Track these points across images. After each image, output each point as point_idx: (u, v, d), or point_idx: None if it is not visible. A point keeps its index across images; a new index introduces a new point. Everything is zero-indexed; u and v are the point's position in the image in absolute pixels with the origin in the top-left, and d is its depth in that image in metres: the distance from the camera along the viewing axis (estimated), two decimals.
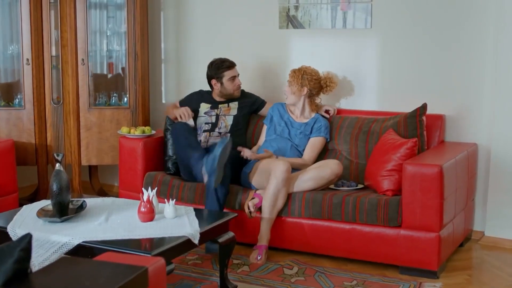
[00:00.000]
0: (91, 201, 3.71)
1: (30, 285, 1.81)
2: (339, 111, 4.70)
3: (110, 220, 3.39)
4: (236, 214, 3.70)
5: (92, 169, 5.56)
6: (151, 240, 3.13)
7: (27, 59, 4.94)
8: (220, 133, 4.59)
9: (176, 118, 4.59)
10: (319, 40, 4.91)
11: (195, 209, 3.63)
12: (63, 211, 3.37)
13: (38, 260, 2.97)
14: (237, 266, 3.91)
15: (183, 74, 5.44)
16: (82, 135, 5.07)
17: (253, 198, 4.08)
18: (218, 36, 5.27)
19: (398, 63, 4.67)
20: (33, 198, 5.05)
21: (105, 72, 5.38)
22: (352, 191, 4.12)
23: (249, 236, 4.12)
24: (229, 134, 4.51)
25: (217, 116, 4.64)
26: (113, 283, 1.81)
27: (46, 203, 3.62)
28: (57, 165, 3.37)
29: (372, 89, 4.77)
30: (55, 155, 3.41)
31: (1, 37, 5.13)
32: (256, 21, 5.13)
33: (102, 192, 5.45)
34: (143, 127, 4.73)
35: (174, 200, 3.53)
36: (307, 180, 4.08)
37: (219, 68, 4.64)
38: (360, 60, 4.78)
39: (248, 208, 4.06)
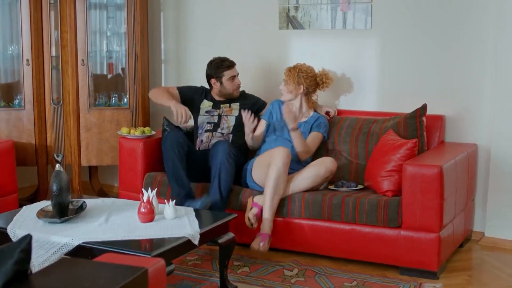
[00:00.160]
0: (91, 202, 3.71)
1: (30, 286, 1.81)
2: (339, 112, 4.70)
3: (110, 221, 3.39)
4: (236, 215, 3.70)
5: (92, 170, 5.56)
6: (151, 241, 3.12)
7: (27, 60, 4.94)
8: (222, 133, 4.57)
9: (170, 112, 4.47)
10: (319, 41, 4.91)
11: (195, 210, 3.63)
12: (63, 212, 3.36)
13: (38, 261, 2.96)
14: (237, 267, 3.91)
15: (183, 75, 5.44)
16: (82, 136, 5.07)
17: (251, 208, 4.06)
18: (218, 36, 5.28)
19: (398, 64, 4.67)
20: (33, 198, 5.05)
21: (105, 73, 5.38)
22: (352, 191, 4.12)
23: (250, 237, 4.12)
24: (212, 197, 4.25)
25: (219, 116, 4.63)
26: (113, 284, 1.81)
27: (46, 204, 3.62)
28: (57, 165, 3.37)
29: (372, 89, 4.77)
30: (55, 155, 3.41)
31: (1, 38, 5.13)
32: (256, 22, 5.13)
33: (102, 193, 5.45)
34: (143, 127, 4.72)
35: (174, 200, 3.53)
36: (303, 179, 4.08)
37: (218, 67, 4.61)
38: (360, 61, 4.78)
39: (249, 220, 4.04)
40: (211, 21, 5.32)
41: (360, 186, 4.24)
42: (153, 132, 4.74)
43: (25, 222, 3.37)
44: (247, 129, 4.41)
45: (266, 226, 4.01)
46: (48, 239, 3.11)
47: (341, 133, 4.50)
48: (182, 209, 3.61)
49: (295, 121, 4.25)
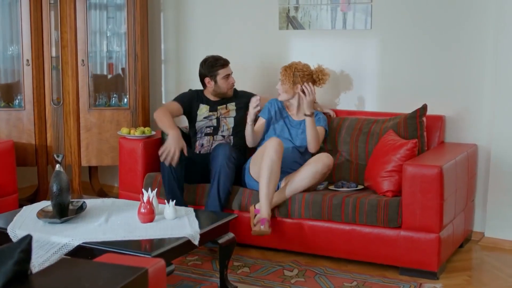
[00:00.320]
0: (91, 202, 3.71)
1: (30, 287, 1.81)
2: (339, 112, 4.70)
3: (110, 221, 3.39)
4: (236, 215, 3.70)
5: (92, 170, 5.56)
6: (151, 241, 3.12)
7: (27, 60, 4.94)
8: (223, 136, 4.55)
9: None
10: (319, 41, 4.91)
11: (195, 210, 3.63)
12: (63, 212, 3.36)
13: (38, 261, 2.97)
14: (237, 267, 3.91)
15: (183, 75, 5.44)
16: (82, 136, 5.07)
17: (255, 216, 4.04)
18: (218, 36, 5.28)
19: (398, 64, 4.67)
20: (33, 199, 5.05)
21: (105, 73, 5.38)
22: (352, 192, 4.12)
23: (250, 237, 4.12)
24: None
25: (218, 119, 4.59)
26: (113, 284, 1.81)
27: (46, 204, 3.62)
28: (57, 166, 3.37)
29: (372, 90, 4.77)
30: (55, 156, 3.41)
31: (1, 38, 5.13)
32: (256, 22, 5.13)
33: (102, 193, 5.45)
34: (143, 128, 4.72)
35: (174, 201, 3.53)
36: (302, 179, 4.07)
37: (213, 66, 4.54)
38: (360, 61, 4.78)
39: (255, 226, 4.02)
40: (211, 21, 5.32)
41: (360, 187, 4.24)
42: (153, 133, 4.74)
43: (25, 222, 3.37)
44: (249, 119, 4.35)
45: (264, 212, 3.97)
46: (48, 240, 3.11)
47: (341, 134, 4.50)
48: (182, 209, 3.61)
49: (311, 106, 4.25)
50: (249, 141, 4.47)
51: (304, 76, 4.41)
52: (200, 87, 4.71)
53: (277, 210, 4.09)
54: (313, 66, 4.52)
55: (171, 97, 5.46)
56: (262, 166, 4.04)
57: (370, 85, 4.77)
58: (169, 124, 4.30)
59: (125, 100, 5.15)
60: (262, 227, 3.92)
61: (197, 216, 3.50)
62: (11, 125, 4.99)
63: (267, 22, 5.06)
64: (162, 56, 5.57)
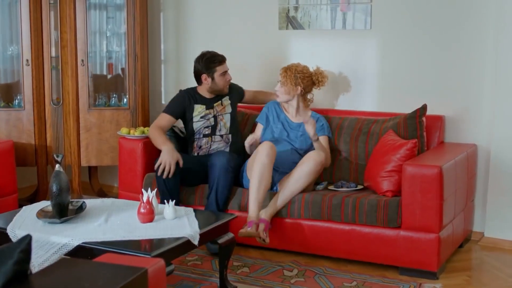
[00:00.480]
0: (90, 202, 3.71)
1: (30, 287, 1.81)
2: (339, 112, 4.70)
3: (110, 221, 3.38)
4: (235, 215, 3.70)
5: (92, 170, 5.56)
6: (150, 241, 3.12)
7: (27, 60, 4.94)
8: (221, 135, 4.52)
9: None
10: (319, 41, 4.91)
11: (194, 210, 3.63)
12: (63, 212, 3.36)
13: (38, 261, 2.96)
14: (237, 267, 3.91)
15: (182, 75, 5.44)
16: (82, 136, 5.07)
17: (258, 224, 4.02)
18: (217, 36, 5.27)
19: (397, 64, 4.67)
20: (32, 199, 5.04)
21: (104, 73, 5.39)
22: (351, 192, 4.12)
23: (249, 238, 4.11)
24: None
25: (215, 117, 4.53)
26: (112, 284, 1.81)
27: (45, 204, 3.61)
28: (57, 166, 3.37)
29: (372, 90, 4.77)
30: (54, 156, 3.41)
31: (0, 38, 5.13)
32: (256, 22, 5.13)
33: (102, 193, 5.45)
34: (143, 128, 4.72)
35: (174, 201, 3.52)
36: (297, 180, 4.05)
37: (211, 62, 4.44)
38: (360, 61, 4.79)
39: (260, 238, 4.00)
40: (211, 21, 5.32)
41: (359, 187, 4.24)
42: None
43: (24, 222, 3.37)
44: (247, 144, 4.33)
45: (252, 214, 3.98)
46: (48, 240, 3.11)
47: (341, 134, 4.50)
48: (181, 209, 3.61)
49: (314, 130, 4.24)
50: (248, 151, 4.48)
51: (305, 78, 4.41)
52: (191, 84, 4.67)
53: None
54: (312, 67, 4.52)
55: (171, 97, 5.47)
56: (253, 169, 4.06)
57: (370, 85, 4.77)
58: (162, 141, 4.28)
59: (125, 100, 5.15)
60: (248, 228, 3.92)
61: (196, 216, 3.49)
62: (10, 125, 4.99)
63: (267, 22, 5.06)
64: (162, 56, 5.57)
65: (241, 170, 4.36)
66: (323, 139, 4.40)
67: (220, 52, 4.51)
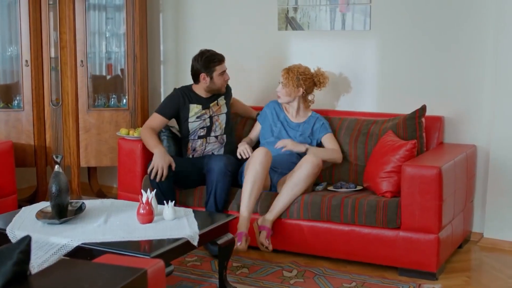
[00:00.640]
0: (90, 203, 3.71)
1: None
2: (339, 113, 4.70)
3: (109, 222, 3.38)
4: (235, 216, 3.70)
5: (91, 171, 5.55)
6: (150, 242, 3.12)
7: (26, 61, 4.94)
8: (216, 136, 4.49)
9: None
10: (318, 42, 4.91)
11: (194, 211, 3.63)
12: (62, 213, 3.36)
13: (37, 262, 2.96)
14: (236, 268, 3.91)
15: (182, 76, 5.43)
16: (81, 137, 5.07)
17: (260, 233, 4.03)
18: (217, 37, 5.27)
19: (397, 65, 4.67)
20: (32, 199, 5.04)
21: (104, 74, 5.38)
22: (351, 192, 4.12)
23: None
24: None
25: (211, 118, 4.48)
26: (112, 285, 1.81)
27: (45, 205, 3.61)
28: (56, 166, 3.37)
29: (371, 90, 4.77)
30: (54, 156, 3.40)
31: (0, 39, 5.13)
32: (255, 23, 5.13)
33: (101, 194, 5.44)
34: None
35: (173, 201, 3.52)
36: (296, 184, 4.04)
37: (210, 62, 4.36)
38: (359, 62, 4.79)
39: (263, 245, 4.01)
40: (210, 22, 5.32)
41: (359, 187, 4.24)
42: None
43: (24, 223, 3.37)
44: (238, 155, 4.37)
45: (242, 225, 3.99)
46: (47, 240, 3.11)
47: (340, 134, 4.51)
48: (181, 210, 3.61)
49: (299, 144, 4.28)
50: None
51: (306, 79, 4.42)
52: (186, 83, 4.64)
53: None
54: (312, 68, 4.52)
55: None
56: (246, 177, 4.07)
57: (369, 86, 4.77)
58: (153, 144, 4.27)
59: (124, 101, 5.15)
60: (238, 244, 3.89)
61: (196, 217, 3.49)
62: (10, 125, 4.99)
63: (266, 23, 5.06)
64: (161, 56, 5.57)
65: (239, 171, 4.36)
66: (328, 137, 4.42)
67: (219, 52, 4.49)
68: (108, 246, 3.02)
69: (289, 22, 4.95)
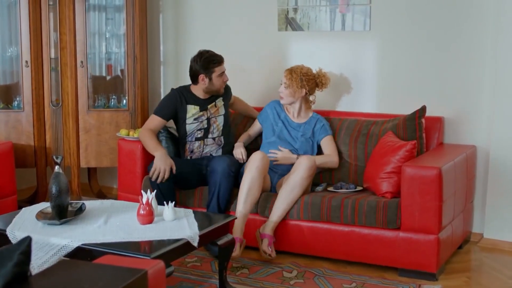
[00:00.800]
0: (90, 204, 3.71)
1: None
2: (338, 113, 4.70)
3: (109, 223, 3.38)
4: (235, 217, 3.70)
5: (91, 171, 5.55)
6: (150, 243, 3.12)
7: (26, 61, 4.94)
8: (213, 138, 4.48)
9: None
10: (318, 42, 4.91)
11: (194, 212, 3.63)
12: (62, 214, 3.36)
13: (37, 262, 2.96)
14: (236, 269, 3.91)
15: (182, 76, 5.42)
16: (81, 137, 5.07)
17: (262, 241, 4.03)
18: (217, 38, 5.27)
19: (397, 65, 4.67)
20: (32, 200, 5.04)
21: (104, 74, 5.38)
22: (351, 193, 4.13)
23: (248, 239, 4.12)
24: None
25: (208, 119, 4.47)
26: (112, 286, 1.81)
27: (45, 206, 3.61)
28: (56, 167, 3.37)
29: (371, 91, 4.77)
30: (54, 157, 3.40)
31: (0, 39, 5.13)
32: (255, 23, 5.13)
33: (101, 195, 5.44)
34: None
35: (173, 202, 3.52)
36: (292, 189, 4.03)
37: (209, 63, 4.33)
38: (359, 62, 4.79)
39: (265, 253, 4.00)
40: (210, 23, 5.32)
41: (359, 188, 4.24)
42: None
43: (24, 224, 3.37)
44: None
45: (237, 231, 3.99)
46: (48, 241, 3.11)
47: (340, 135, 4.51)
48: (181, 210, 3.61)
49: (289, 158, 4.30)
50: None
51: (309, 80, 4.42)
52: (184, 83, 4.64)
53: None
54: (314, 69, 4.52)
55: None
56: (242, 182, 4.07)
57: (369, 87, 4.77)
58: (154, 146, 4.28)
59: (124, 101, 5.15)
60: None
61: (196, 218, 3.49)
62: (10, 126, 4.99)
63: (266, 24, 5.06)
64: (161, 57, 5.57)
65: (240, 171, 4.36)
66: (328, 139, 4.41)
67: (219, 53, 4.48)
68: (108, 247, 3.02)
69: (289, 22, 4.96)
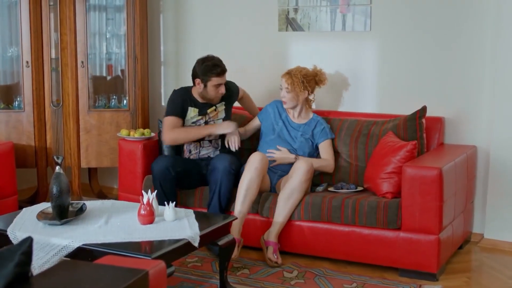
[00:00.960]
0: (90, 204, 3.71)
1: None
2: (339, 114, 4.70)
3: (110, 223, 3.39)
4: (235, 217, 3.70)
5: (92, 172, 5.56)
6: (151, 243, 3.12)
7: (27, 62, 4.94)
8: (210, 140, 4.48)
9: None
10: (319, 43, 4.91)
11: (195, 212, 3.63)
12: (63, 214, 3.36)
13: (38, 262, 2.97)
14: (237, 269, 3.91)
15: (182, 77, 5.44)
16: (82, 138, 5.07)
17: (267, 248, 4.02)
18: (217, 38, 5.28)
19: (397, 66, 4.67)
20: (32, 200, 5.04)
21: (104, 75, 5.38)
22: (351, 193, 4.13)
23: (249, 239, 4.12)
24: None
25: (206, 123, 4.45)
26: (113, 286, 1.81)
27: (45, 206, 3.61)
28: (57, 167, 3.37)
29: (371, 91, 4.77)
30: (55, 157, 3.40)
31: (0, 40, 5.13)
32: (256, 24, 5.13)
33: (102, 195, 5.45)
34: (143, 129, 4.73)
35: (174, 202, 3.52)
36: (292, 194, 4.02)
37: (209, 71, 4.31)
38: (360, 63, 4.79)
39: (271, 260, 3.99)
40: (210, 23, 5.32)
41: (359, 188, 4.24)
42: (153, 134, 4.74)
43: (25, 224, 3.37)
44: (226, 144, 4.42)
45: (235, 231, 3.98)
46: (48, 241, 3.11)
47: (341, 135, 4.51)
48: (182, 211, 3.61)
49: (287, 157, 4.29)
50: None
51: (309, 80, 4.41)
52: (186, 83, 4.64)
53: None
54: (310, 68, 4.51)
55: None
56: (240, 183, 4.07)
57: (370, 87, 4.77)
58: (197, 129, 4.39)
59: (125, 101, 5.15)
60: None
61: (196, 218, 3.49)
62: (10, 126, 4.99)
63: (266, 24, 5.06)
64: (162, 57, 5.57)
65: (240, 170, 4.35)
66: (326, 143, 4.40)
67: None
68: (109, 247, 3.02)
69: (290, 23, 4.96)
